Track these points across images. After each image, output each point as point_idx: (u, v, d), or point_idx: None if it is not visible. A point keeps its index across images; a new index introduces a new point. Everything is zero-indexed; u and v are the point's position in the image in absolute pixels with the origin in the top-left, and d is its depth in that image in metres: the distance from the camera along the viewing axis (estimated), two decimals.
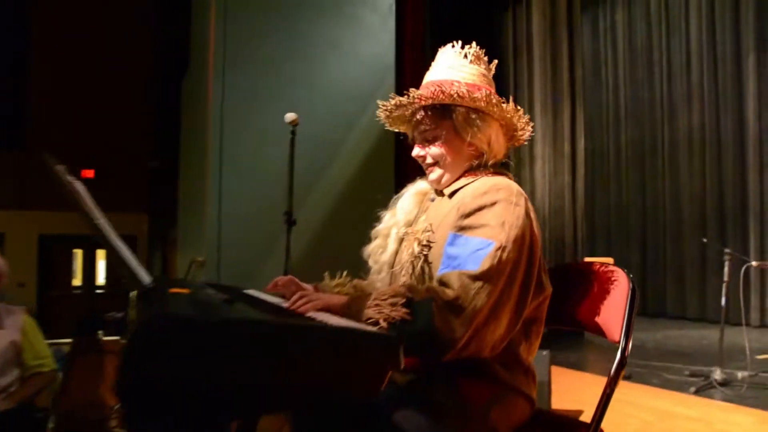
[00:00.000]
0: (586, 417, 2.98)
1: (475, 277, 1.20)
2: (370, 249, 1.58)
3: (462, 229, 1.30)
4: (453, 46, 1.54)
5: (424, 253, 1.39)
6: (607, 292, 1.52)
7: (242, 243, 5.34)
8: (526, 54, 6.56)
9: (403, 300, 1.20)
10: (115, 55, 11.72)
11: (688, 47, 7.32)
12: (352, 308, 1.25)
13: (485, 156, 1.47)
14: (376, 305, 1.20)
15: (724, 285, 3.63)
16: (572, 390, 3.51)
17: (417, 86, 1.56)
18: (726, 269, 3.63)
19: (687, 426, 3.04)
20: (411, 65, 6.15)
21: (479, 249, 1.24)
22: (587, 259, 6.28)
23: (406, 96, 1.48)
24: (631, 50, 8.19)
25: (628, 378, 3.87)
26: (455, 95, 1.41)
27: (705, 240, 5.05)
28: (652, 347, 5.44)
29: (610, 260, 6.99)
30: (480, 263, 1.22)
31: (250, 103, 5.36)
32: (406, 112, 1.53)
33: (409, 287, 1.24)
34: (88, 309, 11.77)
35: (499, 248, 1.23)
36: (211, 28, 5.43)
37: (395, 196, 1.63)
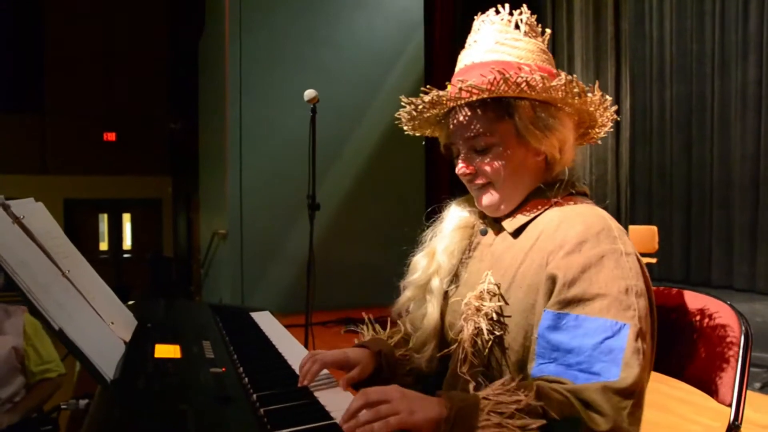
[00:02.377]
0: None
1: (627, 394, 0.83)
2: (401, 304, 1.17)
3: (568, 304, 0.92)
4: (497, 12, 1.09)
5: (496, 333, 0.99)
6: (711, 335, 1.20)
7: (264, 215, 5.14)
8: (566, 4, 6.04)
9: (538, 420, 0.80)
10: (130, 15, 11.40)
11: None
12: (458, 428, 0.81)
13: (554, 167, 1.07)
14: (497, 425, 0.80)
15: None
16: None
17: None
18: None
19: None
20: (441, 20, 5.70)
21: (608, 338, 0.87)
22: (630, 227, 5.92)
23: (446, 88, 1.03)
24: None
25: None
26: (524, 85, 0.98)
27: None
28: None
29: (655, 228, 6.60)
30: (621, 365, 0.84)
31: (269, 69, 5.02)
32: (441, 111, 1.10)
33: (539, 392, 0.83)
34: (116, 274, 11.82)
35: (638, 334, 0.87)
36: None
37: (429, 229, 1.20)
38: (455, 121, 1.08)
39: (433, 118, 1.14)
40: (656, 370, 1.28)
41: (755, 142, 6.61)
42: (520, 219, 1.07)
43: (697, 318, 1.22)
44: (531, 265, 1.00)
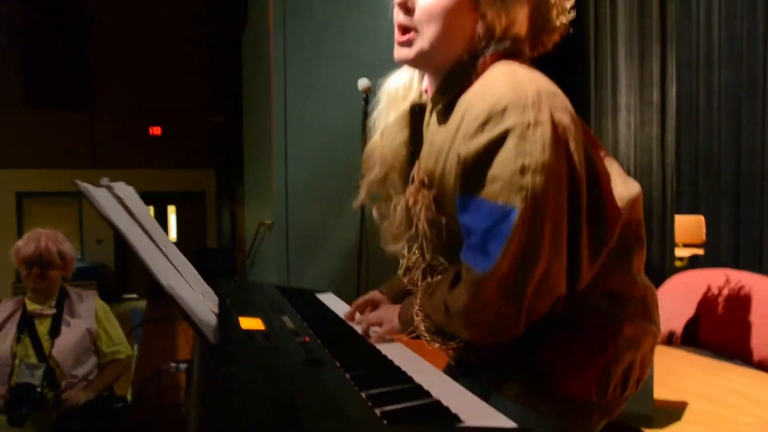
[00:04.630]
0: (692, 410, 2.69)
1: (486, 280, 0.89)
2: (362, 200, 1.23)
3: (469, 188, 0.92)
4: None
5: (438, 220, 1.02)
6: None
7: (310, 205, 5.23)
8: None
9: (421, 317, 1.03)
10: (173, 11, 11.65)
11: None
12: (403, 323, 1.09)
13: (489, 43, 1.00)
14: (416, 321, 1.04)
15: None
16: (674, 374, 3.18)
17: None
18: None
19: None
20: None
21: (497, 222, 0.88)
22: (676, 217, 5.82)
23: None
24: None
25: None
26: None
27: None
28: None
29: (701, 218, 6.47)
30: (501, 248, 0.87)
31: (314, 60, 5.10)
32: None
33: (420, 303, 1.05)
34: None
35: (524, 218, 0.87)
36: None
37: (371, 117, 1.20)
38: None
39: None
40: (710, 350, 1.30)
41: None
42: (444, 98, 1.04)
43: (753, 297, 1.24)
44: (452, 150, 0.98)
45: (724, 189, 7.43)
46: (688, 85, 7.79)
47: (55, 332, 2.49)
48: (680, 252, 5.99)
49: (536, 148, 0.87)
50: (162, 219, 12.96)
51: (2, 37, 11.11)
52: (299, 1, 5.19)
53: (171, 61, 11.68)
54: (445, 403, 0.77)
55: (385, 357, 1.01)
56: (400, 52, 1.05)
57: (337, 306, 1.51)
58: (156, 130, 11.97)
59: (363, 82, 2.76)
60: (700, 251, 6.23)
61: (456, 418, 0.73)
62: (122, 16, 11.61)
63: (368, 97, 2.79)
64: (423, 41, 1.01)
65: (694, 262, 6.26)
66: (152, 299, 9.10)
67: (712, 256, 7.04)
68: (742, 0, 7.16)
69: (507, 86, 0.91)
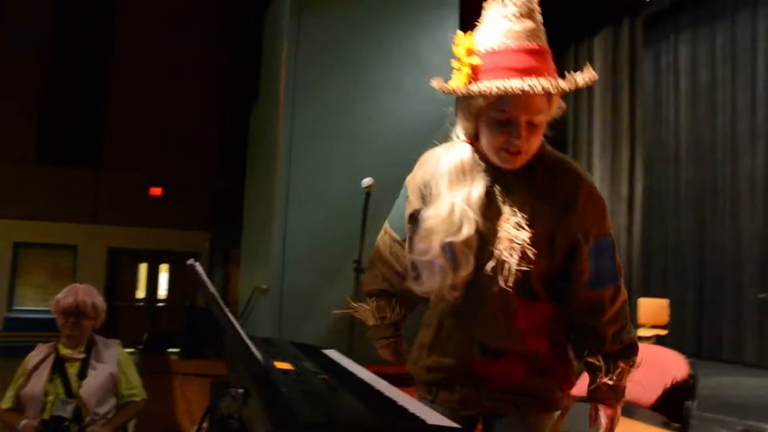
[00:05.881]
0: None
1: (622, 285, 1.38)
2: (428, 253, 1.36)
3: (597, 234, 1.34)
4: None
5: (530, 254, 1.29)
6: (667, 373, 1.65)
7: (305, 273, 5.58)
8: (587, 95, 6.63)
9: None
10: (186, 82, 12.29)
11: (754, 86, 7.21)
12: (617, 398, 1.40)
13: None
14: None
15: None
16: None
17: None
18: None
19: None
20: None
21: (613, 248, 1.37)
22: (641, 299, 6.26)
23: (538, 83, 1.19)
24: (694, 88, 8.08)
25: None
26: (579, 81, 1.26)
27: (762, 296, 4.96)
28: (707, 395, 5.33)
29: (666, 301, 6.92)
30: (616, 262, 1.37)
31: (318, 141, 5.61)
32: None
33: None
34: (150, 321, 12.32)
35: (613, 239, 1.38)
36: (282, 71, 5.73)
37: (422, 185, 1.48)
38: (527, 100, 1.23)
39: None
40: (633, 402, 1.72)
41: (763, 224, 6.95)
42: (525, 165, 1.33)
43: (659, 364, 1.69)
44: (546, 202, 1.32)
45: (689, 277, 7.94)
46: (659, 180, 8.40)
47: (83, 374, 2.82)
48: (645, 332, 6.41)
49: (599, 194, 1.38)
50: (154, 276, 13.19)
51: (24, 95, 11.67)
52: (310, 83, 5.69)
53: (180, 127, 12.15)
54: (419, 415, 1.19)
55: (382, 392, 1.43)
56: (515, 162, 1.30)
57: (341, 359, 1.90)
58: (156, 191, 12.37)
59: (366, 181, 3.17)
60: (665, 332, 6.64)
61: (422, 422, 1.15)
62: (137, 83, 12.20)
63: (369, 190, 3.20)
64: (531, 150, 1.31)
65: (660, 342, 6.64)
66: (147, 353, 9.29)
67: (676, 337, 7.45)
68: (705, 108, 7.87)
69: (575, 166, 1.38)
